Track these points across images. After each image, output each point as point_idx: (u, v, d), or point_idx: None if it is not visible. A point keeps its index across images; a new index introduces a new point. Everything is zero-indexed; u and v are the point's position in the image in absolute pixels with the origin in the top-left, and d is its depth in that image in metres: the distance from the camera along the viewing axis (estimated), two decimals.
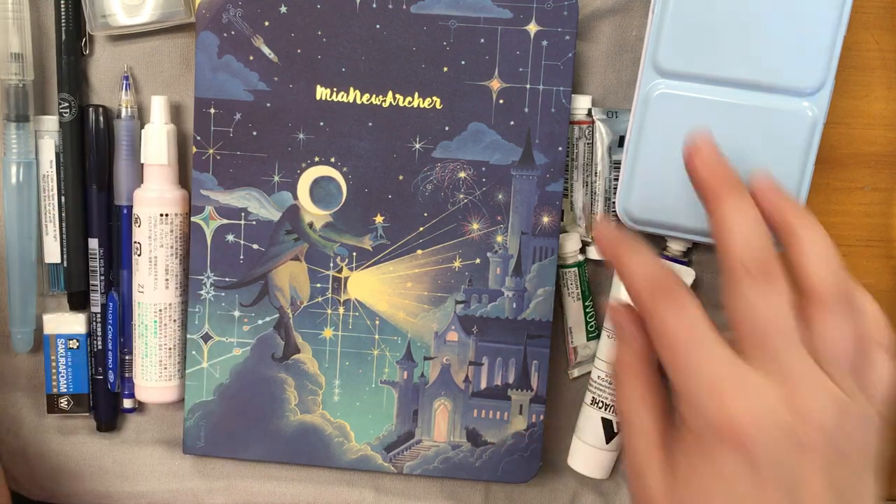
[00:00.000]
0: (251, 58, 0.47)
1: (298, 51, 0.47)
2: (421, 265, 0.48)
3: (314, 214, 0.48)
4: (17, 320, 0.49)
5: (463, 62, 0.47)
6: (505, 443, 0.49)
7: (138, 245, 0.48)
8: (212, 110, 0.47)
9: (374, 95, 0.47)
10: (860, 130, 0.45)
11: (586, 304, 0.49)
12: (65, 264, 0.50)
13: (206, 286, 0.48)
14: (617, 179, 0.48)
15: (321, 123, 0.47)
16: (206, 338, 0.49)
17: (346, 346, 0.49)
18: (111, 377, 0.50)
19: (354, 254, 0.48)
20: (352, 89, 0.47)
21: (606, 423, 0.48)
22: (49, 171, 0.49)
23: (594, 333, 0.50)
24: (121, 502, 0.52)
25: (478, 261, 0.48)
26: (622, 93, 0.49)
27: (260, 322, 0.49)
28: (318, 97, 0.47)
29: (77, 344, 0.50)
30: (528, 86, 0.47)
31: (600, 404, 0.48)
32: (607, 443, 0.48)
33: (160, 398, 0.49)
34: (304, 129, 0.47)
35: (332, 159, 0.48)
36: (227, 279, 0.48)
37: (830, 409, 0.33)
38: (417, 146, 0.47)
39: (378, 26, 0.47)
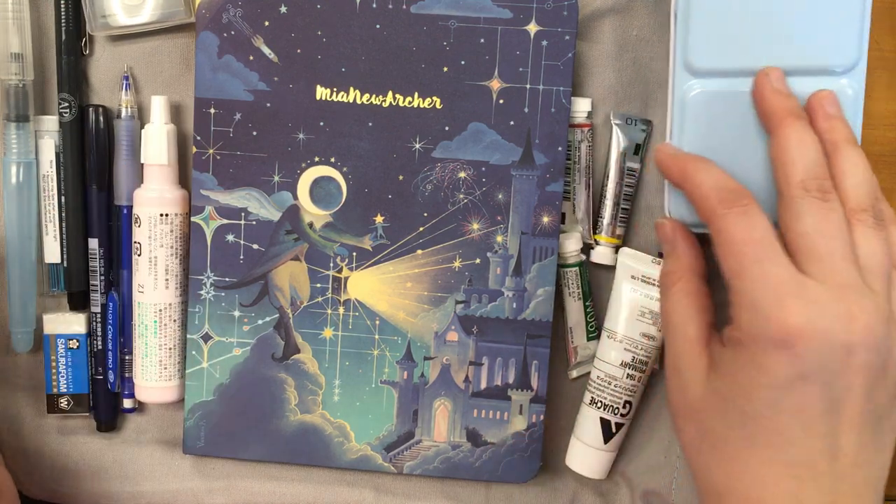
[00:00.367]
0: (251, 58, 0.47)
1: (298, 51, 0.47)
2: (421, 265, 0.48)
3: (314, 214, 0.48)
4: (17, 320, 0.49)
5: (463, 62, 0.47)
6: (505, 443, 0.49)
7: (138, 245, 0.48)
8: (212, 110, 0.47)
9: (374, 95, 0.47)
10: (861, 130, 0.45)
11: (587, 304, 0.49)
12: (65, 264, 0.50)
13: (206, 286, 0.48)
14: (630, 186, 0.48)
15: (321, 123, 0.47)
16: (206, 338, 0.49)
17: (346, 346, 0.49)
18: (111, 377, 0.50)
19: (354, 254, 0.48)
20: (352, 89, 0.47)
21: (605, 423, 0.48)
22: (49, 171, 0.49)
23: (594, 333, 0.50)
24: (121, 502, 0.52)
25: (478, 261, 0.48)
26: (622, 93, 0.49)
27: (260, 322, 0.49)
28: (318, 97, 0.47)
29: (77, 344, 0.50)
30: (528, 86, 0.47)
31: (599, 404, 0.48)
32: (605, 443, 0.48)
33: (160, 398, 0.49)
34: (304, 129, 0.47)
35: (332, 159, 0.48)
36: (227, 279, 0.48)
37: (881, 324, 0.36)
38: (417, 146, 0.47)
39: (378, 26, 0.47)
